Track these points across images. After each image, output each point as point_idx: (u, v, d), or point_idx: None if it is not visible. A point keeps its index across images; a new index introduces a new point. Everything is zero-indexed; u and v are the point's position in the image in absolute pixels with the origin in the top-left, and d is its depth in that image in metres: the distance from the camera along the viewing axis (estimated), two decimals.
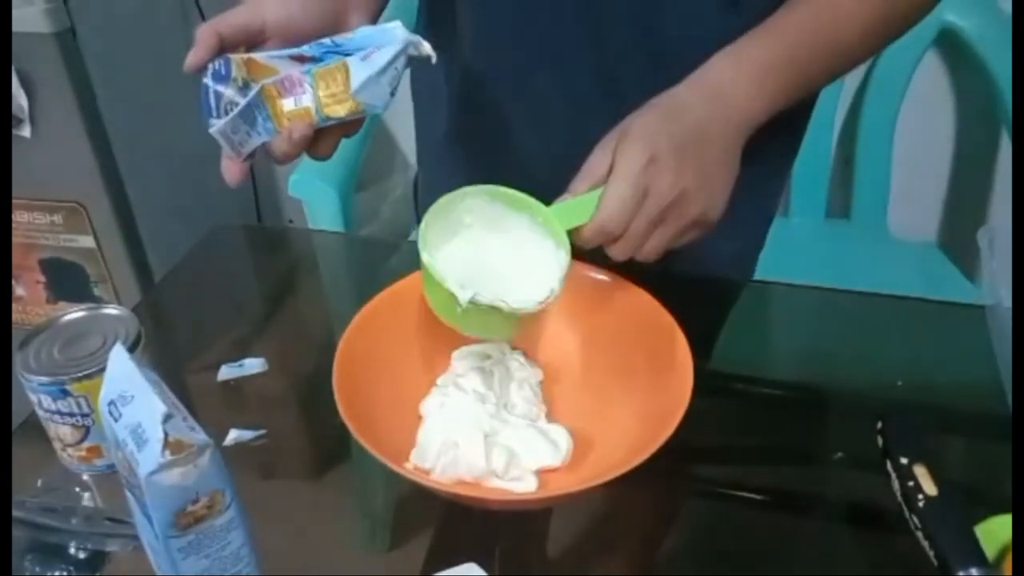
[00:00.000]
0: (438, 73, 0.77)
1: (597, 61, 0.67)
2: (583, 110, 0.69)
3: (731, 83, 0.58)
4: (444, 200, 0.55)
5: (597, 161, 0.55)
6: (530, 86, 0.70)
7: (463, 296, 0.51)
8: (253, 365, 0.66)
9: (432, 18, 0.77)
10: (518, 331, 0.57)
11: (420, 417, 0.57)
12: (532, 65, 0.69)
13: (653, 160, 0.53)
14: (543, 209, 0.55)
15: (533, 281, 0.54)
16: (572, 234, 0.55)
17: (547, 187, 0.66)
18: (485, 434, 0.53)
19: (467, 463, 0.52)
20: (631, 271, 0.60)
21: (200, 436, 0.43)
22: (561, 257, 0.55)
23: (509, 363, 0.60)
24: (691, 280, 0.73)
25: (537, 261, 0.55)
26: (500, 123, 0.74)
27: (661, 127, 0.55)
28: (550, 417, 0.58)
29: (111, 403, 0.45)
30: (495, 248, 0.57)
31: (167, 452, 0.42)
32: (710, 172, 0.56)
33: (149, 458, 0.42)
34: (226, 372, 0.65)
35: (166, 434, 0.42)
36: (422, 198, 0.90)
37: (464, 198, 0.56)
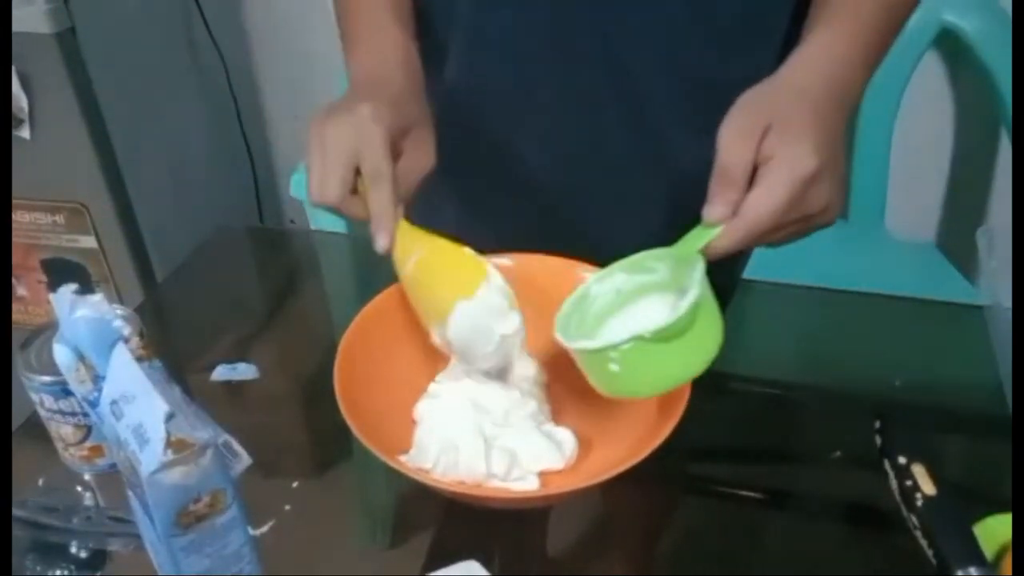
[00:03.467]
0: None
1: (606, 62, 0.65)
2: (593, 116, 0.67)
3: (840, 57, 0.54)
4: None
5: (737, 159, 0.50)
6: (533, 95, 0.68)
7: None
8: (246, 371, 0.66)
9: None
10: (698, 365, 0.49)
11: (416, 419, 0.57)
12: (535, 73, 0.67)
13: (818, 174, 0.49)
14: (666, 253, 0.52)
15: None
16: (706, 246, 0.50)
17: (552, 201, 0.65)
18: (485, 437, 0.53)
19: (467, 466, 0.52)
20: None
21: (202, 435, 0.43)
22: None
23: (512, 363, 0.60)
24: None
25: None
26: (498, 140, 0.72)
27: (813, 121, 0.50)
28: (553, 418, 0.58)
29: (113, 402, 0.45)
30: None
31: (169, 451, 0.42)
32: (843, 174, 0.52)
33: (151, 457, 0.42)
34: (220, 374, 0.65)
35: (168, 433, 0.42)
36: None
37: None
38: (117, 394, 0.45)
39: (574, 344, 0.50)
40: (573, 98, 0.67)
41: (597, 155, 0.68)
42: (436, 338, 0.55)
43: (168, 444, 0.42)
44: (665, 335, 0.46)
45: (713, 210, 0.50)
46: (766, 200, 0.49)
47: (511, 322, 0.54)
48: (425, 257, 0.55)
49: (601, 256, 0.58)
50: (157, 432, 0.42)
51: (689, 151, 0.67)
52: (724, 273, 0.81)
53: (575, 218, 0.72)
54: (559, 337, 0.51)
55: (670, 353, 0.47)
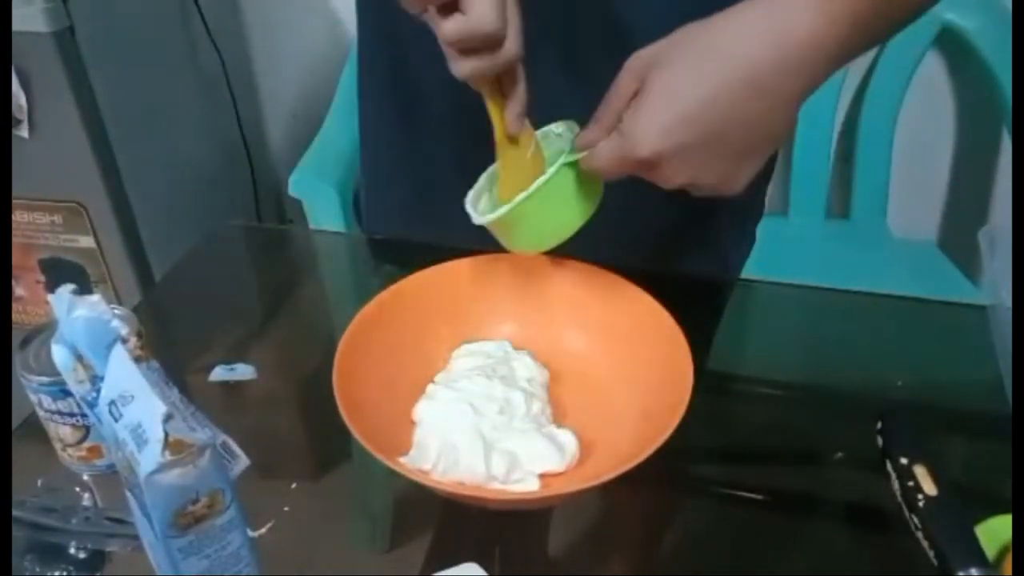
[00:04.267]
0: (382, 88, 0.76)
1: (564, 49, 0.65)
2: (550, 103, 0.66)
3: (804, 25, 0.46)
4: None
5: (617, 96, 0.51)
6: (536, 81, 0.68)
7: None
8: (244, 372, 0.66)
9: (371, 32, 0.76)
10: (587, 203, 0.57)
11: (416, 420, 0.57)
12: (538, 54, 0.66)
13: (655, 164, 0.49)
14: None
15: None
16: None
17: None
18: (485, 439, 0.53)
19: (466, 468, 0.52)
20: (631, 271, 0.60)
21: (201, 436, 0.43)
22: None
23: (512, 363, 0.60)
24: (691, 280, 0.73)
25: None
26: (457, 125, 0.71)
27: (696, 104, 0.47)
28: (554, 419, 0.58)
29: (111, 403, 0.44)
30: None
31: (167, 452, 0.42)
32: (743, 150, 0.49)
33: (149, 458, 0.42)
34: (218, 374, 0.65)
35: (166, 434, 0.42)
36: (369, 217, 0.89)
37: None
38: (115, 395, 0.45)
39: (474, 217, 0.57)
40: (576, 84, 0.66)
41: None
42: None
43: (166, 445, 0.42)
44: (505, 219, 0.55)
45: (585, 134, 0.54)
46: (599, 158, 0.52)
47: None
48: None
49: (602, 235, 0.58)
50: (155, 433, 0.42)
51: None
52: (718, 263, 0.81)
53: None
54: (468, 208, 0.59)
55: (526, 225, 0.57)
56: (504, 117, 0.55)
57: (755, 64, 0.47)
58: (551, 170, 0.54)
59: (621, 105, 0.51)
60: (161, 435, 0.41)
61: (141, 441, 0.42)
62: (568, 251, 0.60)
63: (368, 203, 0.88)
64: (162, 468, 0.42)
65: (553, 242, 0.58)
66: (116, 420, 0.44)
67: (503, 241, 0.59)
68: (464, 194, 0.61)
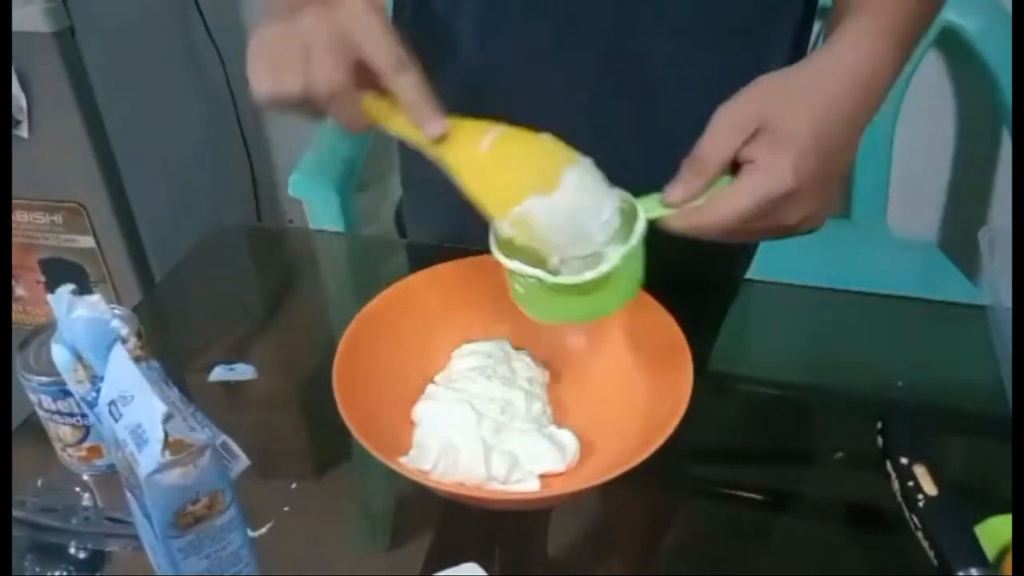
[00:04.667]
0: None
1: (615, 61, 0.64)
2: (601, 117, 0.66)
3: (866, 58, 0.52)
4: None
5: (716, 151, 0.49)
6: (539, 81, 0.67)
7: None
8: (244, 371, 0.66)
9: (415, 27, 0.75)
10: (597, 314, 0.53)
11: (416, 421, 0.57)
12: (542, 72, 0.66)
13: (793, 195, 0.48)
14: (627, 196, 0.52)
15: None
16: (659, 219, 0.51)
17: None
18: (485, 440, 0.53)
19: (466, 469, 0.52)
20: None
21: (201, 436, 0.43)
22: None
23: (513, 363, 0.60)
24: (691, 280, 0.73)
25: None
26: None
27: (812, 139, 0.48)
28: (555, 419, 0.58)
29: (111, 403, 0.44)
30: None
31: (167, 452, 0.42)
32: (836, 183, 0.52)
33: (149, 458, 0.42)
34: (218, 374, 0.65)
35: (166, 434, 0.42)
36: (411, 226, 0.88)
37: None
38: (115, 395, 0.45)
39: (494, 252, 0.52)
40: (581, 98, 0.66)
41: (604, 154, 0.69)
42: (510, 222, 0.50)
43: (166, 445, 0.42)
44: (561, 290, 0.50)
45: (674, 193, 0.50)
46: (730, 205, 0.49)
47: (610, 202, 0.50)
48: (501, 137, 0.51)
49: None
50: (155, 433, 0.42)
51: (693, 136, 0.67)
52: (723, 270, 0.81)
53: None
54: (492, 246, 0.52)
55: (568, 300, 0.51)
56: (419, 126, 0.49)
57: (842, 100, 0.50)
58: (640, 225, 0.49)
59: (720, 159, 0.49)
60: (161, 435, 0.41)
61: (141, 441, 0.42)
62: None
63: (408, 213, 0.88)
64: (162, 468, 0.42)
65: (608, 311, 0.53)
66: (116, 420, 0.44)
67: (541, 308, 0.53)
68: None
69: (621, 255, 0.49)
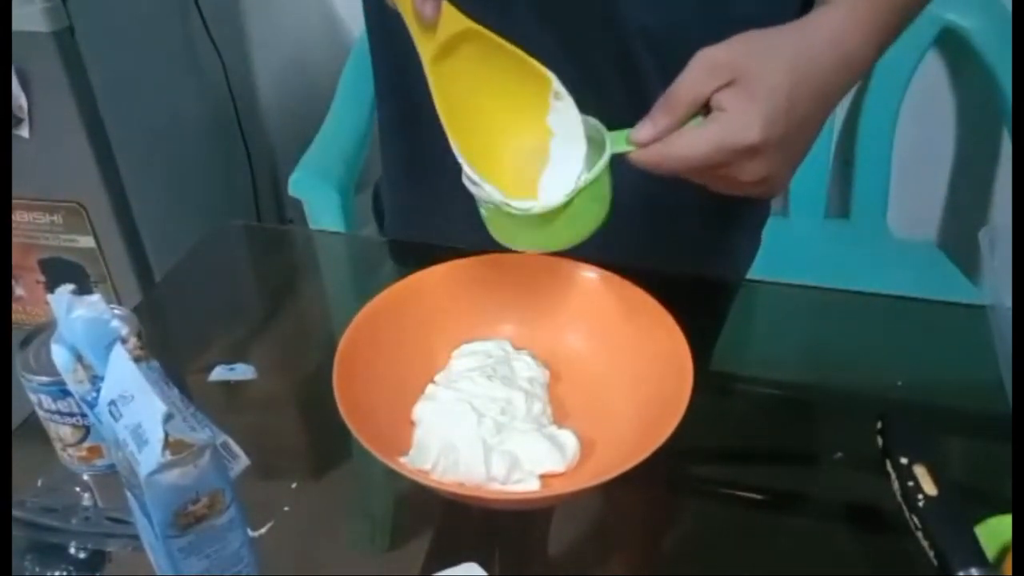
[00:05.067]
0: (403, 75, 0.74)
1: (617, 62, 0.64)
2: (603, 113, 0.67)
3: (852, 32, 0.52)
4: None
5: (689, 92, 0.50)
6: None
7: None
8: (244, 371, 0.66)
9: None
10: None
11: (415, 421, 0.57)
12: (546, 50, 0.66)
13: (758, 150, 0.49)
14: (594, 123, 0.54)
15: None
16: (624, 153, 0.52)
17: None
18: (485, 440, 0.53)
19: (466, 470, 0.52)
20: (632, 271, 0.60)
21: (201, 435, 0.43)
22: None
23: (513, 363, 0.60)
24: (691, 280, 0.73)
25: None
26: None
27: (785, 100, 0.49)
28: (555, 419, 0.58)
29: (111, 403, 0.44)
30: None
31: (167, 452, 0.42)
32: (800, 153, 0.52)
33: (149, 458, 0.42)
34: (218, 374, 0.65)
35: (166, 434, 0.42)
36: (391, 222, 0.88)
37: None
38: (115, 394, 0.45)
39: (466, 174, 0.53)
40: (584, 97, 0.66)
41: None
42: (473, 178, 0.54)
43: (166, 445, 0.42)
44: (520, 217, 0.52)
45: (642, 131, 0.51)
46: (689, 146, 0.49)
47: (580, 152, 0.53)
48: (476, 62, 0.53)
49: (604, 248, 0.58)
50: (155, 433, 0.42)
51: None
52: (727, 265, 0.81)
53: None
54: (473, 185, 0.53)
55: (530, 227, 0.53)
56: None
57: (823, 69, 0.51)
58: (601, 163, 0.51)
59: (692, 101, 0.50)
60: (161, 435, 0.41)
61: (141, 441, 0.42)
62: (581, 254, 0.60)
63: (387, 204, 0.88)
64: (162, 468, 0.42)
65: (564, 244, 0.55)
66: (116, 420, 0.44)
67: (504, 234, 0.55)
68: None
69: (577, 187, 0.51)
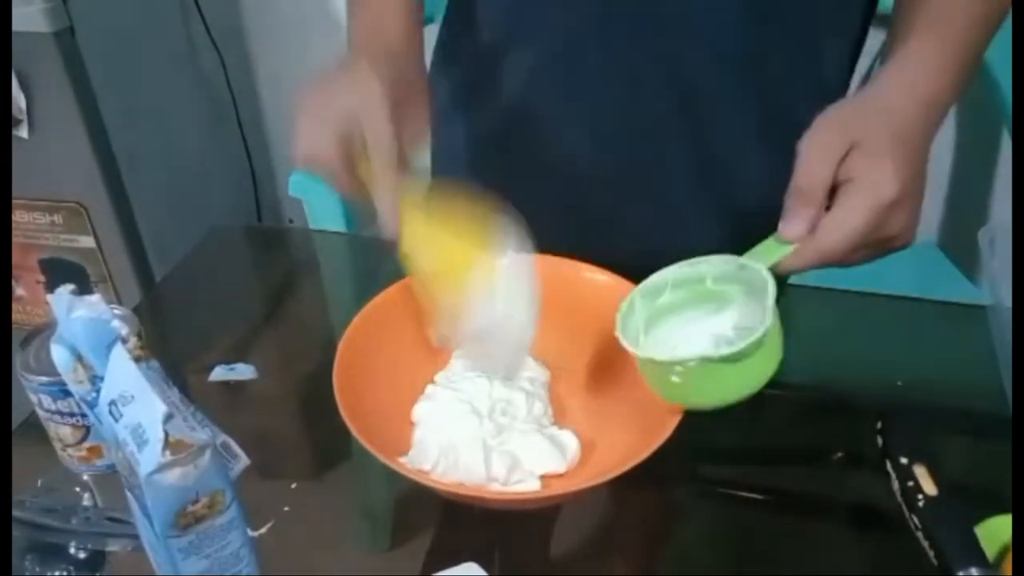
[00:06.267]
0: (455, 77, 0.73)
1: (656, 51, 0.63)
2: (639, 105, 0.65)
3: (933, 77, 0.53)
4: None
5: (817, 177, 0.49)
6: (577, 81, 0.66)
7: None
8: (244, 371, 0.66)
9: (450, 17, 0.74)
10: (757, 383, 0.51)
11: (415, 421, 0.57)
12: (580, 57, 0.65)
13: (899, 202, 0.48)
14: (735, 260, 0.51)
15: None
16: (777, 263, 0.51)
17: (587, 188, 0.61)
18: (485, 441, 0.53)
19: (466, 470, 0.52)
20: (630, 272, 0.60)
21: (201, 436, 0.43)
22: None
23: None
24: None
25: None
26: (537, 119, 0.69)
27: (897, 144, 0.49)
28: (556, 419, 0.58)
29: (112, 403, 0.44)
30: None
31: (167, 452, 0.42)
32: (922, 190, 0.52)
33: (149, 458, 0.42)
34: (218, 374, 0.65)
35: (166, 434, 0.42)
36: None
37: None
38: (115, 395, 0.45)
39: (641, 352, 0.50)
40: (619, 86, 0.65)
41: (640, 146, 0.66)
42: (440, 334, 0.54)
43: (166, 445, 0.42)
44: (731, 358, 0.48)
45: (790, 227, 0.49)
46: (845, 223, 0.48)
47: (526, 321, 0.53)
48: (439, 249, 0.53)
49: (629, 254, 0.57)
50: (155, 433, 0.42)
51: (741, 153, 0.65)
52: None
53: (608, 208, 0.70)
54: (623, 342, 0.50)
55: (731, 373, 0.49)
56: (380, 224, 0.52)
57: (911, 116, 0.51)
58: (771, 287, 0.48)
59: (824, 183, 0.49)
60: (161, 435, 0.42)
61: (141, 441, 0.42)
62: (598, 244, 0.60)
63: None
64: (162, 468, 0.42)
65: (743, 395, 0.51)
66: (116, 420, 0.44)
67: (674, 391, 0.50)
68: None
69: (773, 315, 0.48)
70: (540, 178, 0.70)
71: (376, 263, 0.88)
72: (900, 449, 0.52)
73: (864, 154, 0.49)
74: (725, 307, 0.53)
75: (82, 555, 0.53)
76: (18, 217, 1.32)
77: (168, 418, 0.42)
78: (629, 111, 0.65)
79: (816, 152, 0.49)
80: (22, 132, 1.22)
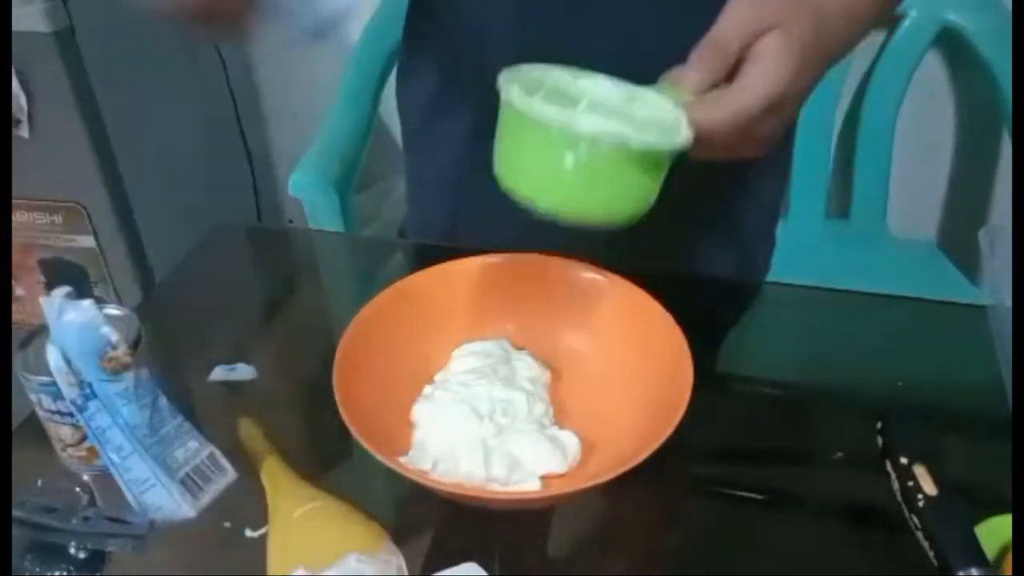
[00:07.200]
0: (421, 98, 0.74)
1: (626, 44, 0.63)
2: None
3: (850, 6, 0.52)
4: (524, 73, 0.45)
5: (731, 36, 0.48)
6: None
7: (586, 125, 0.40)
8: (244, 371, 0.66)
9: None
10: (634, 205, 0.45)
11: (415, 421, 0.57)
12: (554, 59, 0.66)
13: (781, 104, 0.47)
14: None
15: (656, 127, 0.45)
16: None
17: None
18: (485, 442, 0.53)
19: (466, 471, 0.52)
20: (630, 271, 0.60)
21: None
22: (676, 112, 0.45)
23: (515, 363, 0.60)
24: (691, 280, 0.73)
25: (655, 109, 0.47)
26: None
27: (812, 42, 0.48)
28: (556, 419, 0.58)
29: None
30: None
31: None
32: (798, 111, 0.51)
33: None
34: (218, 374, 0.65)
35: None
36: (412, 225, 0.88)
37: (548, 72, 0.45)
38: None
39: (542, 113, 0.41)
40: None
41: None
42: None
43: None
44: (647, 155, 0.42)
45: (692, 73, 0.47)
46: (750, 96, 0.46)
47: None
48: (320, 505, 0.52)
49: (625, 253, 0.57)
50: None
51: None
52: (745, 267, 0.81)
53: None
54: (513, 96, 0.42)
55: (631, 177, 0.43)
56: None
57: (837, 28, 0.50)
58: (684, 129, 0.43)
59: (742, 45, 0.47)
60: None
61: None
62: (581, 254, 0.60)
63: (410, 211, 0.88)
64: None
65: (613, 215, 0.45)
66: None
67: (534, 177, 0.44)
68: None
69: (686, 133, 0.44)
70: None
71: (376, 263, 0.88)
72: (900, 449, 0.52)
73: (779, 37, 0.47)
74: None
75: (82, 555, 0.53)
76: (18, 217, 1.32)
77: None
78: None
79: (739, 13, 0.48)
80: (22, 132, 1.22)
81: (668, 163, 0.45)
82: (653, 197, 0.46)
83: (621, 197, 0.44)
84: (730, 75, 0.48)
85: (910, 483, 0.50)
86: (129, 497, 0.54)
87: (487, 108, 0.71)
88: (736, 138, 0.48)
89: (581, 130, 0.40)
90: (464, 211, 0.75)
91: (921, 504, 0.49)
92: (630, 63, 0.63)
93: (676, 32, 0.55)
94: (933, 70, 1.44)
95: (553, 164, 0.41)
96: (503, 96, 0.42)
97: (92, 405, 0.52)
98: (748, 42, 0.47)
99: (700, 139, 0.46)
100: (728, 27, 0.48)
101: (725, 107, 0.47)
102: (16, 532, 0.53)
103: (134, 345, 0.55)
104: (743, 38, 0.47)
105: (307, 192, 1.30)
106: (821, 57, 0.50)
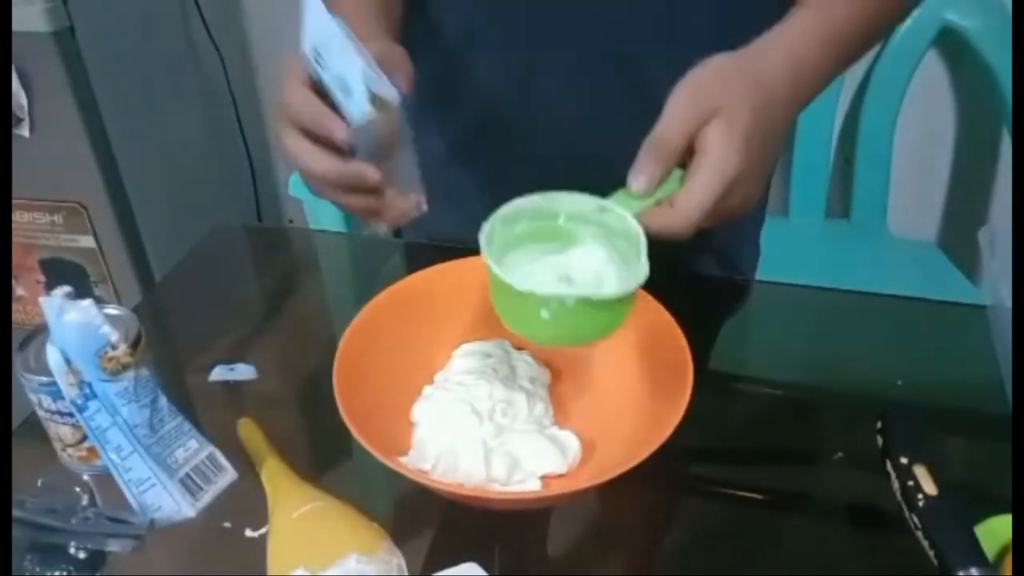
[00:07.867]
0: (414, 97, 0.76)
1: (612, 42, 0.65)
2: (598, 107, 0.67)
3: (803, 56, 0.54)
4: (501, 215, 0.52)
5: (672, 136, 0.50)
6: (538, 80, 0.67)
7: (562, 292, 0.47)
8: (244, 371, 0.66)
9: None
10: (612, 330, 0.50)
11: (415, 421, 0.57)
12: (541, 56, 0.66)
13: (740, 179, 0.49)
14: (602, 203, 0.51)
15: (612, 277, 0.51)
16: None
17: (556, 178, 0.63)
18: (485, 442, 0.53)
19: (466, 471, 0.52)
20: None
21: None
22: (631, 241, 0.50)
23: (515, 363, 0.60)
24: (691, 280, 0.73)
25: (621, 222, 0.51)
26: (502, 131, 0.71)
27: (755, 117, 0.50)
28: (556, 420, 0.58)
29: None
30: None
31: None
32: (769, 169, 0.53)
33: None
34: (218, 374, 0.65)
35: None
36: (407, 234, 0.89)
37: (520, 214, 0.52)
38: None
39: (518, 284, 0.48)
40: (578, 88, 0.67)
41: (601, 145, 0.68)
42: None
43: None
44: (609, 301, 0.48)
45: (639, 181, 0.50)
46: (695, 200, 0.49)
47: None
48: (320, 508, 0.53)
49: None
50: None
51: None
52: (728, 269, 0.81)
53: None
54: (496, 270, 0.48)
55: (600, 314, 0.49)
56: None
57: (781, 84, 0.53)
58: (643, 242, 0.48)
59: (684, 144, 0.50)
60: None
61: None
62: None
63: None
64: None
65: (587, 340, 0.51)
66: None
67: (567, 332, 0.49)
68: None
69: (645, 269, 0.48)
70: (523, 172, 0.71)
71: (376, 263, 0.88)
72: (900, 449, 0.52)
73: (719, 125, 0.49)
74: (570, 247, 0.53)
75: (82, 555, 0.53)
76: (18, 217, 1.32)
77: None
78: (587, 116, 0.68)
79: (678, 113, 0.50)
80: (22, 132, 1.22)
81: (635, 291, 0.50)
82: (628, 311, 0.51)
83: (599, 328, 0.50)
84: (687, 153, 0.51)
85: (910, 483, 0.50)
86: (129, 497, 0.54)
87: (479, 105, 0.72)
88: (706, 224, 0.50)
89: (547, 294, 0.47)
90: (463, 211, 0.75)
91: (921, 504, 0.49)
92: (615, 59, 0.64)
93: (654, 24, 0.56)
94: (933, 70, 1.44)
95: (534, 316, 0.48)
96: (485, 260, 0.49)
97: (92, 405, 0.52)
98: (692, 134, 0.50)
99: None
100: (668, 128, 0.50)
101: (682, 211, 0.49)
102: (16, 532, 0.53)
103: (134, 345, 0.55)
104: (686, 135, 0.50)
105: (307, 192, 1.30)
106: (768, 129, 0.51)
